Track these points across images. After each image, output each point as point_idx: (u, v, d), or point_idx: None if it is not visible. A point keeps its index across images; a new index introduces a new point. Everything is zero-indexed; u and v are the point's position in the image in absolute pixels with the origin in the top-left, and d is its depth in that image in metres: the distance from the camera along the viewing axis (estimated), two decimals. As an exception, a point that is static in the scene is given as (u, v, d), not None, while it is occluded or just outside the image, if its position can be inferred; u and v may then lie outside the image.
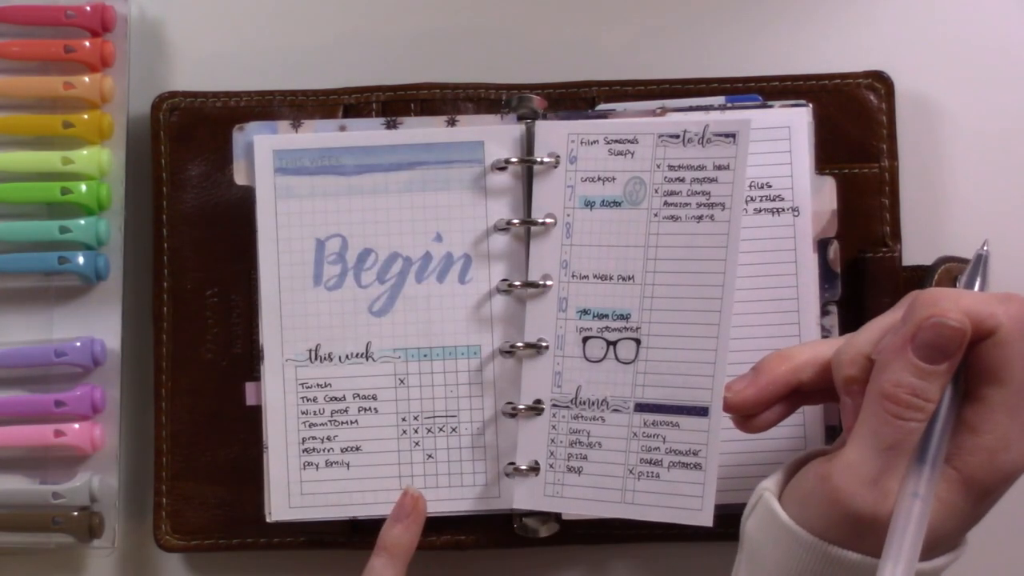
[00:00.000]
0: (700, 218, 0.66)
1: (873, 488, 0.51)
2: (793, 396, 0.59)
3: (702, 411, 0.65)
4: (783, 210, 0.68)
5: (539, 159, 0.68)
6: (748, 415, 0.60)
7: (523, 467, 0.68)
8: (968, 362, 0.52)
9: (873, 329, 0.55)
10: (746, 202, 0.68)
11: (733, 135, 0.66)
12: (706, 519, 0.65)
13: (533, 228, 0.68)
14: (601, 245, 0.67)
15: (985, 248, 0.56)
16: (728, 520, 0.62)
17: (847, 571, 0.52)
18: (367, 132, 0.70)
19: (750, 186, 0.68)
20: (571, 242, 0.68)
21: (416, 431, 0.69)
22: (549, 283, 0.68)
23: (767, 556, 0.55)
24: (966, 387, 0.53)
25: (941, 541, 0.52)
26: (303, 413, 0.69)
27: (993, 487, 0.52)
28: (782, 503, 0.55)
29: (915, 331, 0.51)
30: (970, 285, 0.56)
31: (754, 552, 0.56)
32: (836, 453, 0.53)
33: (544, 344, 0.68)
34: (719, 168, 0.66)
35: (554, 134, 0.68)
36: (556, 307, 0.68)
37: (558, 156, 0.68)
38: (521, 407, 0.68)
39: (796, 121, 0.69)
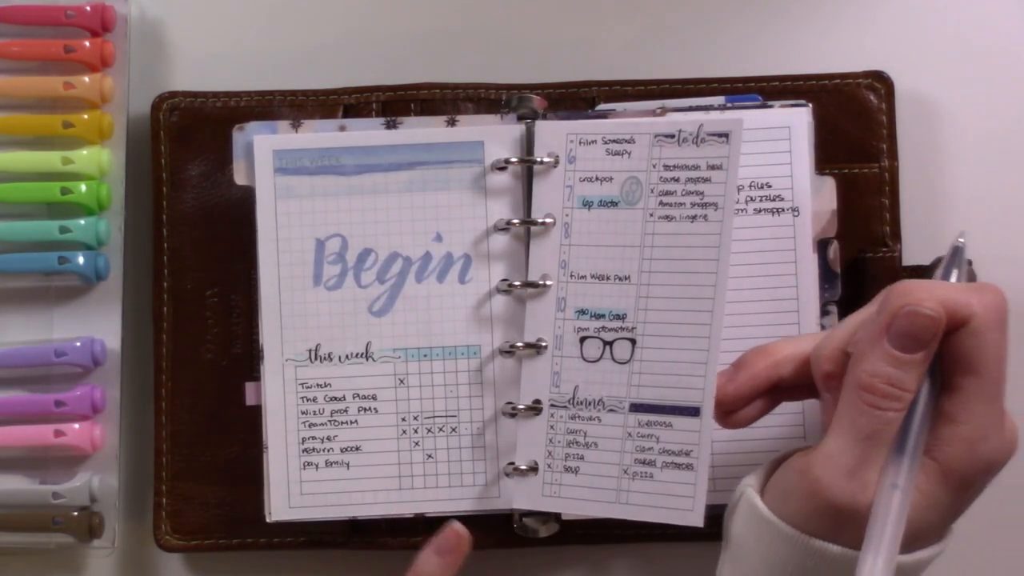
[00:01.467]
0: (694, 218, 0.66)
1: (852, 479, 0.51)
2: (774, 392, 0.59)
3: (694, 411, 0.65)
4: (783, 210, 0.68)
5: (539, 159, 0.68)
6: (729, 411, 0.60)
7: (522, 467, 0.68)
8: (944, 352, 0.52)
9: (850, 323, 0.55)
10: (746, 202, 0.68)
11: (726, 135, 0.65)
12: (697, 519, 0.65)
13: (533, 228, 0.68)
14: (599, 245, 0.67)
15: (961, 240, 0.57)
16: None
17: (829, 564, 0.52)
18: (367, 132, 0.69)
19: (750, 186, 0.68)
20: (570, 242, 0.68)
21: (416, 431, 0.69)
22: (548, 283, 0.68)
23: (751, 552, 0.55)
24: (943, 378, 0.53)
25: (923, 533, 0.52)
26: (303, 413, 0.69)
27: (973, 478, 0.52)
28: (764, 499, 0.55)
29: (890, 320, 0.51)
30: (946, 277, 0.56)
31: (738, 549, 0.56)
32: (816, 446, 0.53)
33: (543, 344, 0.68)
34: (712, 168, 0.66)
35: (553, 134, 0.68)
36: (555, 307, 0.68)
37: (557, 156, 0.68)
38: (520, 407, 0.68)
39: (796, 121, 0.69)
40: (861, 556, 0.51)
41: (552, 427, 0.68)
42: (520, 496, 0.68)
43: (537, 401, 0.68)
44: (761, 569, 0.54)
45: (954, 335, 0.51)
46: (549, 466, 0.68)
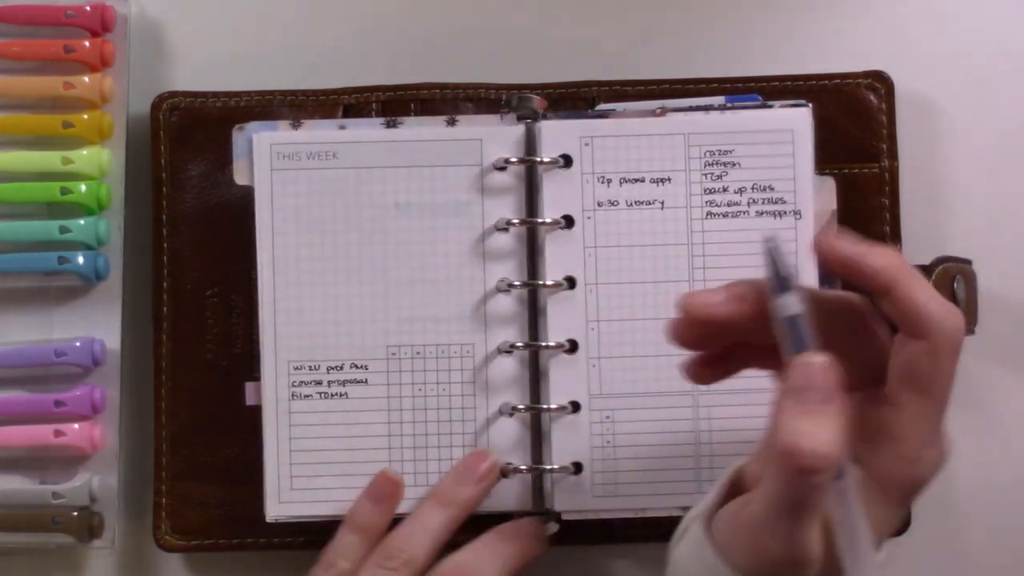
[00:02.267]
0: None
1: (793, 540, 0.48)
2: (739, 351, 0.55)
3: None
4: (785, 213, 0.68)
5: (541, 159, 0.68)
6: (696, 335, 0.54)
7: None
8: (894, 361, 0.50)
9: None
10: (748, 204, 0.68)
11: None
12: None
13: (545, 228, 0.68)
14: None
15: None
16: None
17: None
18: (367, 130, 0.69)
19: (752, 188, 0.68)
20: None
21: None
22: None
23: None
24: (888, 387, 0.50)
25: None
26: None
27: (910, 496, 0.51)
28: (714, 528, 0.53)
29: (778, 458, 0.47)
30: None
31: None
32: (751, 502, 0.51)
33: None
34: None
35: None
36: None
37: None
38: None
39: (799, 123, 0.68)
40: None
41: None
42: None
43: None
44: None
45: (910, 346, 0.49)
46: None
